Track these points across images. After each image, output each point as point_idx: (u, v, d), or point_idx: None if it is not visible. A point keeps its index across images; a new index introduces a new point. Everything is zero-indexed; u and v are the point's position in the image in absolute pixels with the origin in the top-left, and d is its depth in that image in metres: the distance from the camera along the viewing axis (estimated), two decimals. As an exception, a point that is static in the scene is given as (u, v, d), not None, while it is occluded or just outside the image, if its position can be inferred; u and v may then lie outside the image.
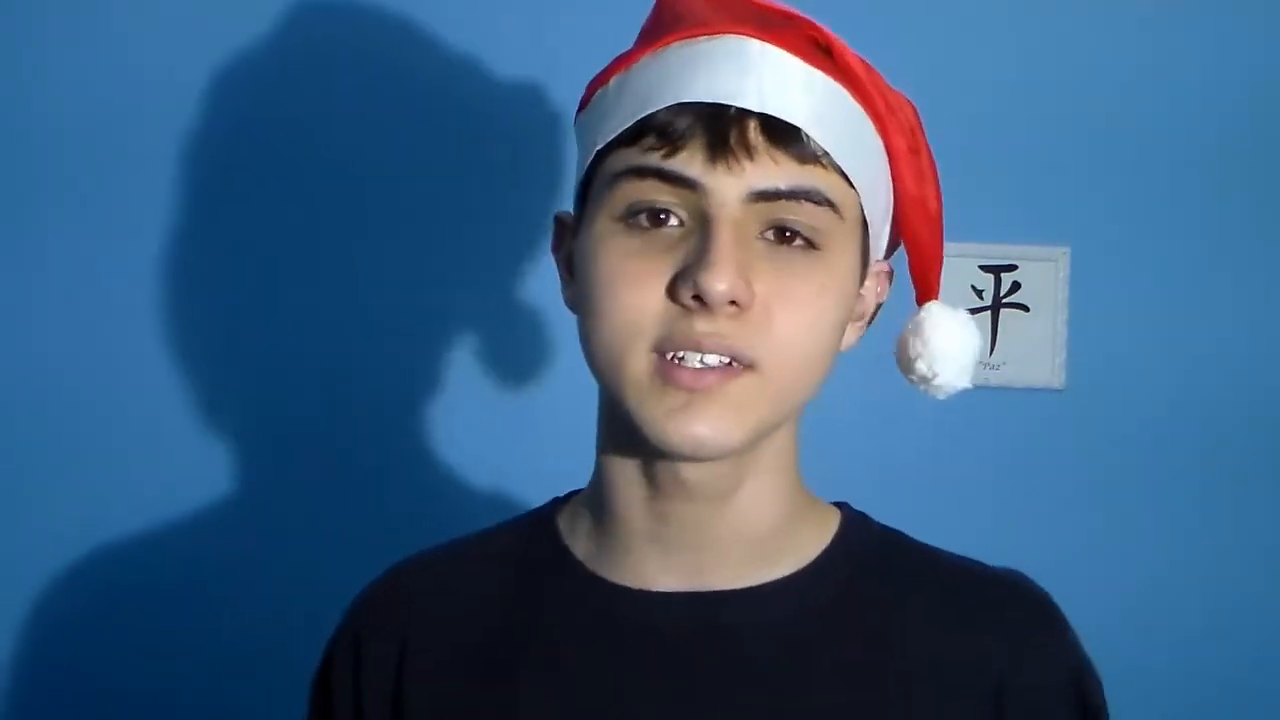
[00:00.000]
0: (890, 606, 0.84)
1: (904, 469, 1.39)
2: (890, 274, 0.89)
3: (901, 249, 0.86)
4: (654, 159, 0.76)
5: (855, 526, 0.88)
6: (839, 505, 0.90)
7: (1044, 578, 1.37)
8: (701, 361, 0.75)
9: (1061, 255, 1.38)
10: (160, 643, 1.40)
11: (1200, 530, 1.38)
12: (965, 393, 1.36)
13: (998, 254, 1.39)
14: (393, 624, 0.89)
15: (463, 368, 1.40)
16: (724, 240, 0.74)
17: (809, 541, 0.86)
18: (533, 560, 0.88)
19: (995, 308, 1.39)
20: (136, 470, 1.40)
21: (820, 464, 1.37)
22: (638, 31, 0.88)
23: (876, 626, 0.83)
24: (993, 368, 1.39)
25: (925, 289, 0.85)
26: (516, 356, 1.39)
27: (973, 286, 1.39)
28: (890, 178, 0.83)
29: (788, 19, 0.81)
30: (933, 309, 0.84)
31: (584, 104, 0.85)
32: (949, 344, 0.83)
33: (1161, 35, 1.38)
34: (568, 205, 0.89)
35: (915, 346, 0.84)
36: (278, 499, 1.41)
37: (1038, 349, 1.38)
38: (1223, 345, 1.38)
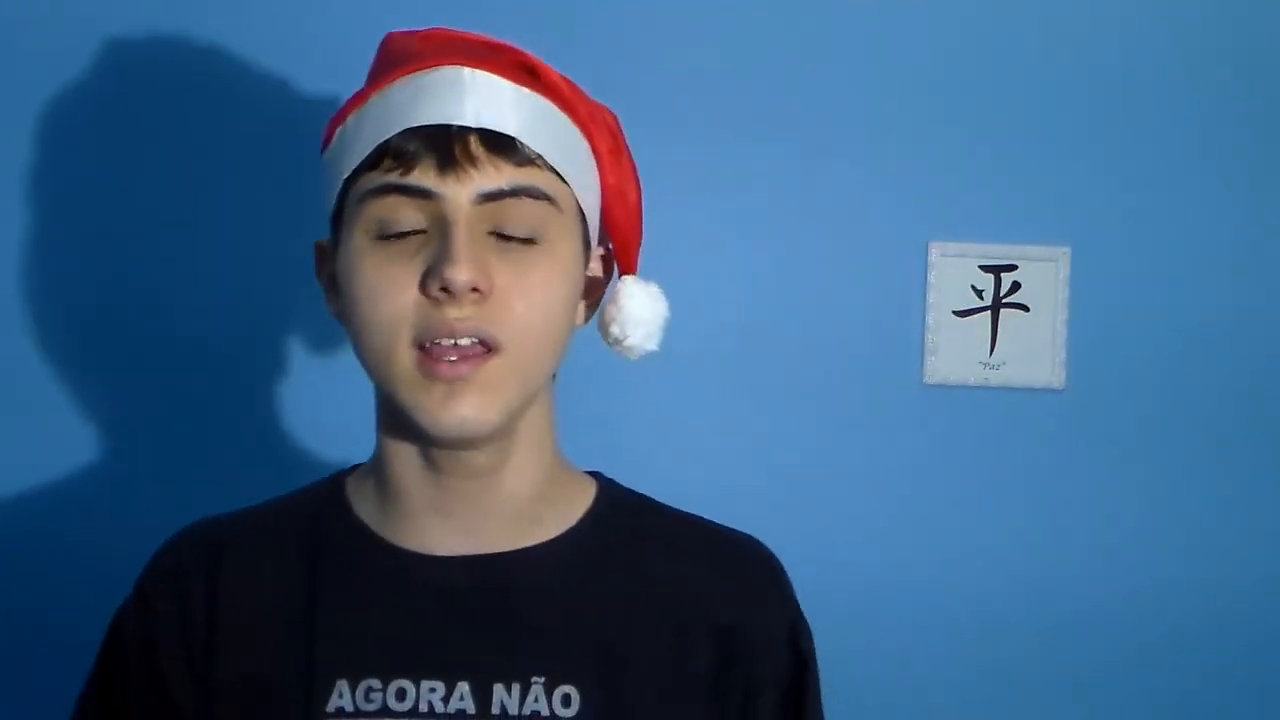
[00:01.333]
0: (640, 560, 0.97)
1: (904, 469, 1.39)
2: (609, 258, 1.01)
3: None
4: (393, 176, 0.88)
5: (608, 493, 1.01)
6: (593, 474, 1.02)
7: (1044, 576, 1.38)
8: (455, 343, 0.86)
9: (1061, 255, 1.38)
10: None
11: (1201, 529, 1.38)
12: (965, 393, 1.39)
13: (998, 254, 1.39)
14: (188, 580, 0.97)
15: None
16: (460, 237, 0.86)
17: (570, 506, 0.98)
18: (324, 527, 0.98)
19: (995, 308, 1.39)
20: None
21: (821, 464, 1.38)
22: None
23: (630, 578, 0.96)
24: (993, 368, 1.39)
25: (625, 265, 1.00)
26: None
27: (973, 286, 1.39)
28: (597, 175, 0.96)
29: (494, 49, 0.94)
30: (627, 281, 0.99)
31: (326, 142, 0.96)
32: (639, 310, 0.98)
33: (1162, 35, 1.38)
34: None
35: (611, 313, 0.98)
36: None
37: (1038, 349, 1.38)
38: (1223, 345, 1.38)
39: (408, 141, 0.88)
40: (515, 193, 0.88)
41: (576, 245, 0.93)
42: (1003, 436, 1.39)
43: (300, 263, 1.36)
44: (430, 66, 0.91)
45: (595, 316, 1.00)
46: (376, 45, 1.00)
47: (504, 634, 0.92)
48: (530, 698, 0.90)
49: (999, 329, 1.39)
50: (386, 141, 0.88)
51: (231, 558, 0.97)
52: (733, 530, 1.01)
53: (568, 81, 0.95)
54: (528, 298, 0.88)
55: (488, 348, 0.87)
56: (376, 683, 0.91)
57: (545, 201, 0.90)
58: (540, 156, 0.90)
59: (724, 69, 1.37)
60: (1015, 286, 1.39)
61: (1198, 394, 1.38)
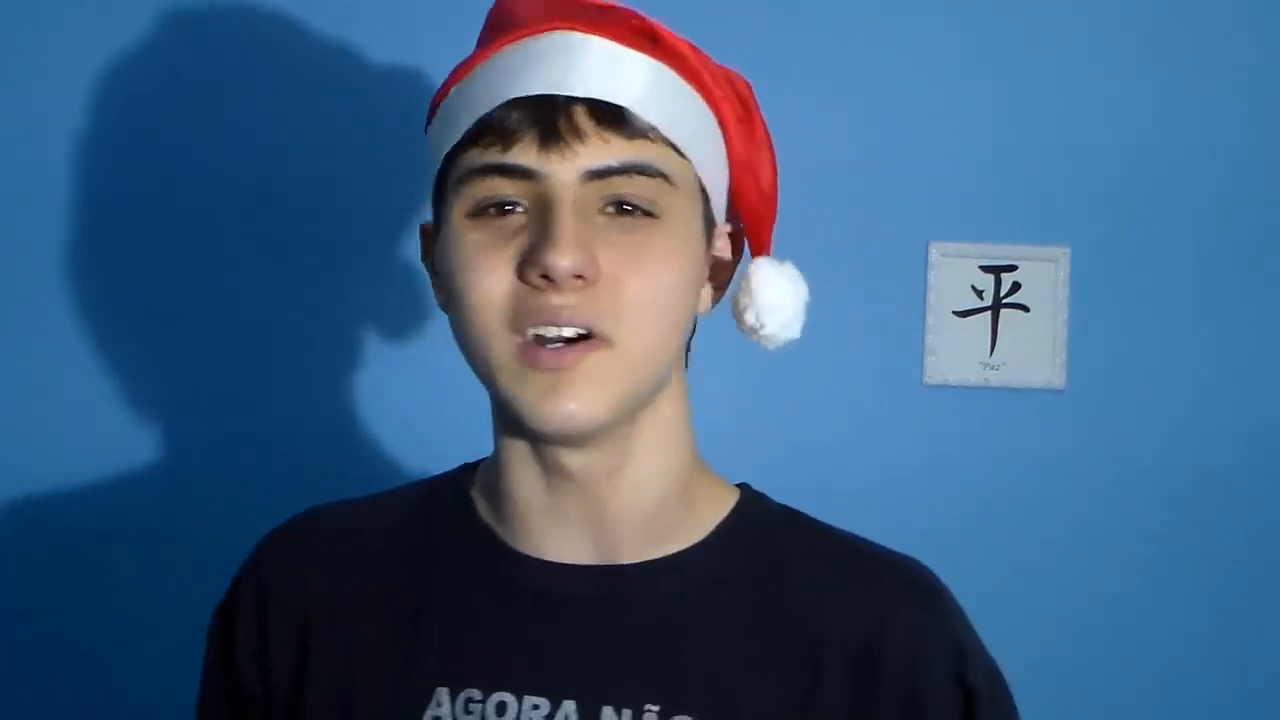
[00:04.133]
0: (778, 580, 0.88)
1: (905, 469, 1.39)
2: (739, 237, 0.93)
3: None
4: (493, 155, 0.81)
5: (750, 505, 0.92)
6: (740, 486, 0.94)
7: (1043, 576, 1.38)
8: (560, 336, 0.79)
9: (1061, 255, 1.38)
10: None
11: (1200, 530, 1.38)
12: (965, 393, 1.39)
13: (998, 254, 1.39)
14: (297, 567, 0.93)
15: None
16: (564, 219, 0.79)
17: (704, 516, 0.90)
18: (443, 522, 0.92)
19: (995, 308, 1.39)
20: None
21: (824, 464, 1.38)
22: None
23: (762, 600, 0.87)
24: (993, 368, 1.39)
25: (756, 245, 0.92)
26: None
27: (973, 286, 1.39)
28: (723, 147, 0.88)
29: (606, 11, 0.85)
30: (760, 264, 0.90)
31: (430, 116, 0.90)
32: (775, 296, 0.88)
33: (1162, 35, 1.38)
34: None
35: (744, 299, 0.89)
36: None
37: (1038, 349, 1.38)
38: (1223, 345, 1.38)
39: (509, 114, 0.80)
40: (625, 170, 0.80)
41: (697, 223, 0.85)
42: (1003, 436, 1.39)
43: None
44: (537, 32, 0.83)
45: (726, 303, 0.92)
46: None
47: (619, 653, 0.85)
48: None
49: (999, 329, 1.39)
50: (488, 114, 0.81)
51: (333, 550, 0.93)
52: (888, 550, 0.91)
53: (691, 46, 0.87)
54: (642, 279, 0.80)
55: (596, 339, 0.80)
56: (478, 694, 0.85)
57: (660, 179, 0.81)
58: (654, 129, 0.81)
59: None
60: (1015, 286, 1.39)
61: (1197, 394, 1.38)
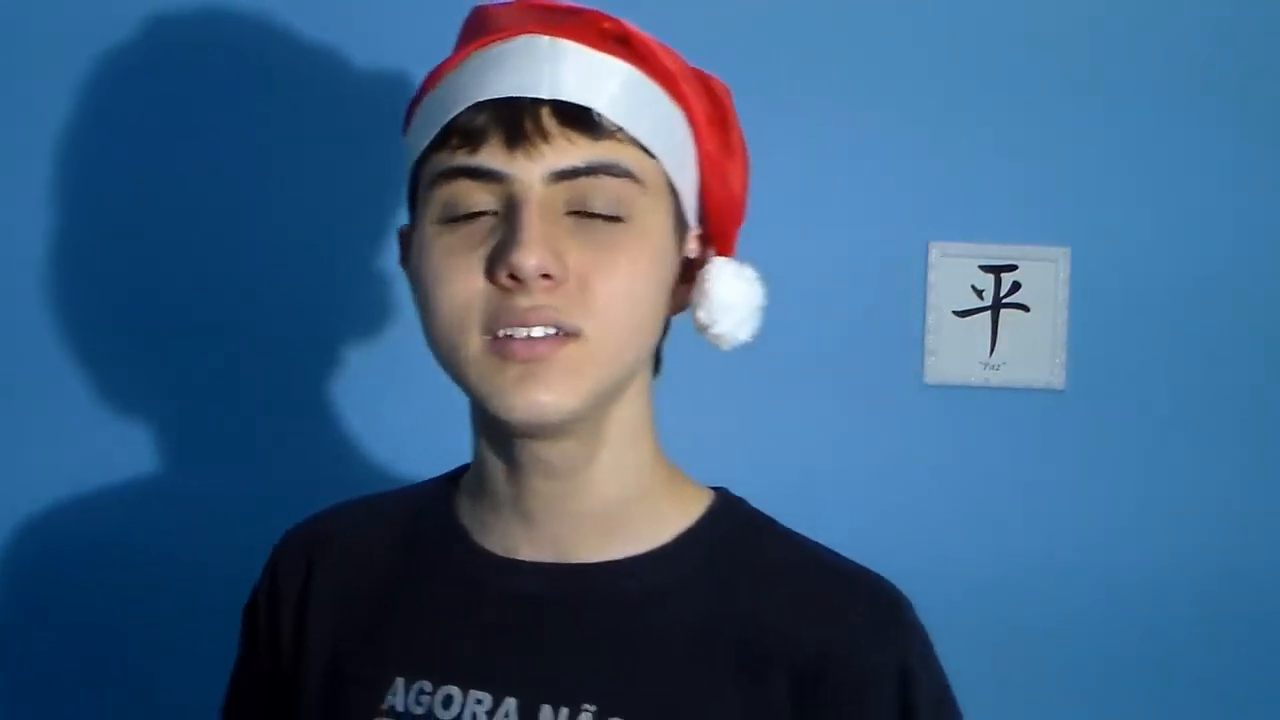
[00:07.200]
0: (735, 590, 0.87)
1: (905, 469, 1.39)
2: (710, 236, 0.92)
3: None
4: (461, 157, 0.82)
5: (724, 510, 0.92)
6: (716, 489, 0.94)
7: (1044, 577, 1.38)
8: (529, 335, 0.80)
9: (1061, 255, 1.38)
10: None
11: (1200, 529, 1.38)
12: (965, 393, 1.39)
13: (998, 254, 1.39)
14: (302, 563, 0.96)
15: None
16: (530, 219, 0.79)
17: (672, 520, 0.90)
18: (426, 522, 0.95)
19: (995, 308, 1.39)
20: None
21: (821, 464, 1.38)
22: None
23: (716, 609, 0.86)
24: (993, 368, 1.39)
25: (720, 246, 0.92)
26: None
27: (973, 286, 1.39)
28: (694, 148, 0.88)
29: (574, 14, 0.86)
30: (719, 263, 0.89)
31: (406, 124, 0.90)
32: (728, 295, 0.88)
33: (1162, 34, 1.38)
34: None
35: (697, 297, 0.89)
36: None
37: (1038, 349, 1.39)
38: (1223, 344, 1.38)
39: (475, 117, 0.81)
40: (593, 170, 0.81)
41: (667, 223, 0.85)
42: (1003, 436, 1.39)
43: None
44: (504, 37, 0.84)
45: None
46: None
47: (565, 652, 0.85)
48: None
49: (999, 329, 1.39)
50: (454, 118, 0.82)
51: (332, 546, 0.96)
52: (856, 566, 0.90)
53: (666, 49, 0.87)
54: (610, 281, 0.81)
55: (567, 335, 0.80)
56: (428, 685, 0.86)
57: (628, 179, 0.82)
58: (622, 130, 0.82)
59: (722, 70, 1.37)
60: (1015, 286, 1.39)
61: (1198, 394, 1.38)
